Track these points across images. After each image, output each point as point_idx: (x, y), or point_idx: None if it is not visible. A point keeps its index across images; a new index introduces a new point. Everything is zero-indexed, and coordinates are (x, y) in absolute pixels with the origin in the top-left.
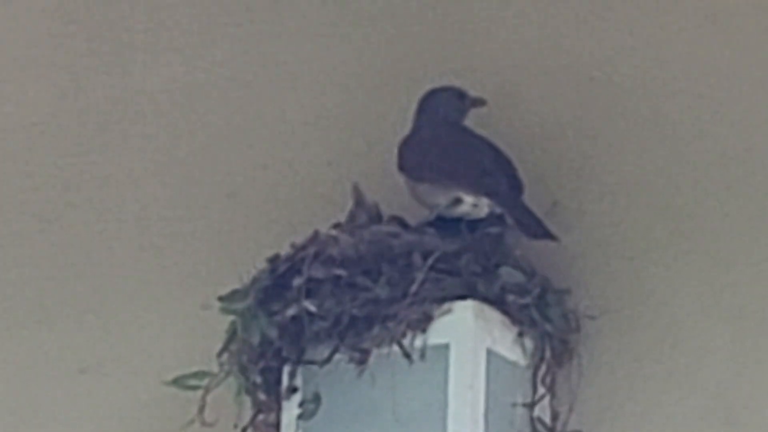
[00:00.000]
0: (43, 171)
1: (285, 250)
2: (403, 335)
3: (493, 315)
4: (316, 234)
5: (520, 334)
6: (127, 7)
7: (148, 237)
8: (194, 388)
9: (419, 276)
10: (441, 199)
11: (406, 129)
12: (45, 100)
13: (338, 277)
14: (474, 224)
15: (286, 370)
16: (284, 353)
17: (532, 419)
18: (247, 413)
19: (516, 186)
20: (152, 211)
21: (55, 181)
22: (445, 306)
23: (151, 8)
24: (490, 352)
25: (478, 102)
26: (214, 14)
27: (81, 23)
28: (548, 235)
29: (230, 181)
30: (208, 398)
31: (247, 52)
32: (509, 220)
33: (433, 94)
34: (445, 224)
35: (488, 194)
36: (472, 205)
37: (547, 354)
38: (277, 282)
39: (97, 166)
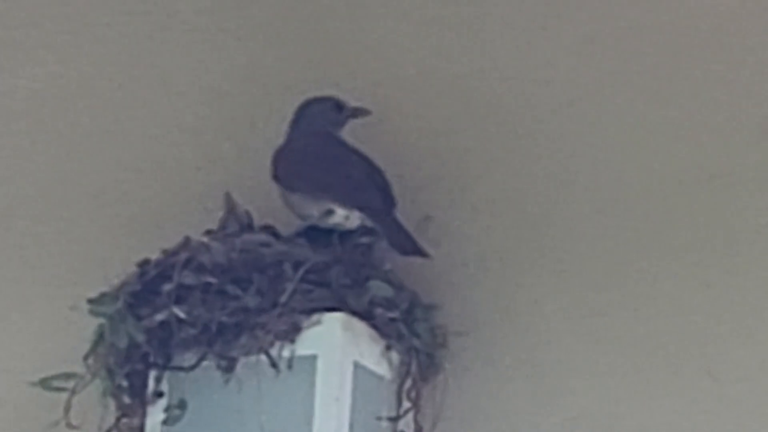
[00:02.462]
0: None
1: (155, 255)
2: (271, 345)
3: (362, 328)
4: (187, 240)
5: (388, 348)
6: (2, 4)
7: (16, 236)
8: (60, 389)
9: (289, 286)
10: (313, 210)
11: (282, 138)
12: None
13: (208, 285)
14: (345, 236)
15: (153, 374)
16: (151, 358)
17: None
18: (112, 416)
19: (388, 200)
20: (20, 209)
21: None
22: (314, 317)
23: (26, 6)
24: (357, 365)
25: (360, 112)
26: (89, 14)
27: None
28: (419, 252)
29: (101, 184)
30: (74, 400)
31: (122, 53)
32: (380, 235)
33: (309, 103)
34: (316, 235)
35: (360, 208)
36: (344, 217)
37: (413, 368)
38: (146, 287)
39: None
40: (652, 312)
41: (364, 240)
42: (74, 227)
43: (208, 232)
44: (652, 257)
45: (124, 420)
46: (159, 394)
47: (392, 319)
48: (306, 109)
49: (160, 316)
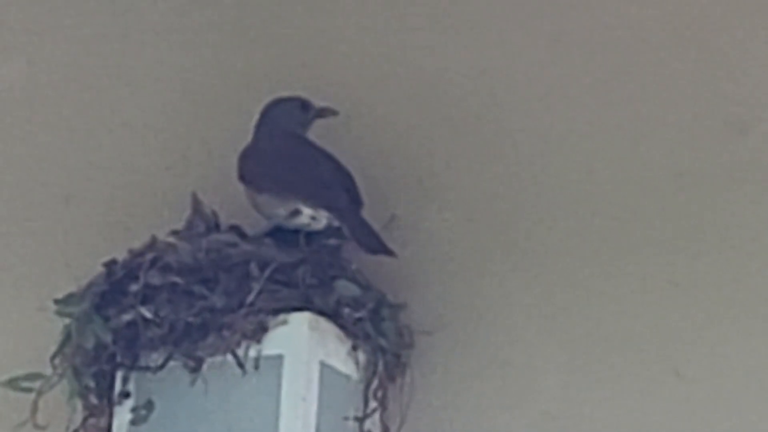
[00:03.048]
0: None
1: (122, 255)
2: (238, 345)
3: (328, 327)
4: (153, 240)
5: (354, 348)
6: None
7: None
8: (27, 390)
9: (256, 286)
10: (280, 210)
11: (248, 137)
12: None
13: (175, 285)
14: (312, 236)
15: (120, 375)
16: (118, 358)
17: None
18: (79, 417)
19: (355, 200)
20: None
21: None
22: (281, 317)
23: None
24: (323, 365)
25: (327, 111)
26: (57, 14)
27: None
28: (385, 250)
29: (68, 183)
30: (41, 401)
31: (89, 53)
32: (346, 233)
33: (275, 104)
34: (283, 235)
35: (327, 207)
36: (311, 217)
37: (380, 368)
38: (113, 287)
39: None
40: (620, 310)
41: (332, 242)
42: (41, 227)
43: (175, 233)
44: (620, 255)
45: (92, 420)
46: (126, 395)
47: (359, 319)
48: (272, 109)
49: (126, 317)
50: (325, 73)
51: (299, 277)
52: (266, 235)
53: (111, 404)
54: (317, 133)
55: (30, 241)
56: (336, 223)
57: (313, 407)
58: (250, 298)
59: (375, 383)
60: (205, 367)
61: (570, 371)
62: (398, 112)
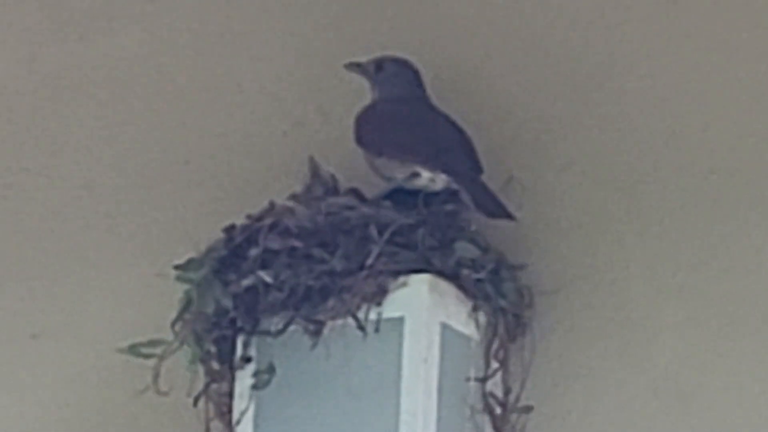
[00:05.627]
0: None
1: (240, 221)
2: (358, 308)
3: (448, 289)
4: (272, 205)
5: (474, 309)
6: None
7: (103, 204)
8: (148, 356)
9: (375, 249)
10: (398, 173)
11: (364, 100)
12: (1, 67)
13: (294, 249)
14: (431, 198)
15: (241, 340)
16: (239, 323)
17: (484, 394)
18: (201, 382)
19: (474, 165)
20: (106, 178)
21: (9, 148)
22: (401, 279)
23: None
24: (444, 326)
25: None
26: None
27: None
28: (505, 214)
29: (185, 150)
30: (162, 367)
31: (205, 21)
32: (465, 198)
33: (390, 64)
34: (401, 197)
35: (446, 171)
36: (429, 179)
37: (501, 329)
38: (232, 252)
39: (51, 133)
40: (741, 267)
41: (449, 207)
42: (159, 194)
43: (293, 197)
44: (739, 213)
45: (213, 386)
46: (247, 359)
47: (479, 280)
48: (387, 69)
49: (246, 281)
50: (440, 35)
51: (418, 238)
52: (385, 198)
53: (232, 369)
54: (433, 96)
55: (148, 208)
56: (454, 186)
57: (435, 369)
58: (370, 260)
59: (496, 344)
60: (325, 330)
61: (691, 329)
62: (514, 73)
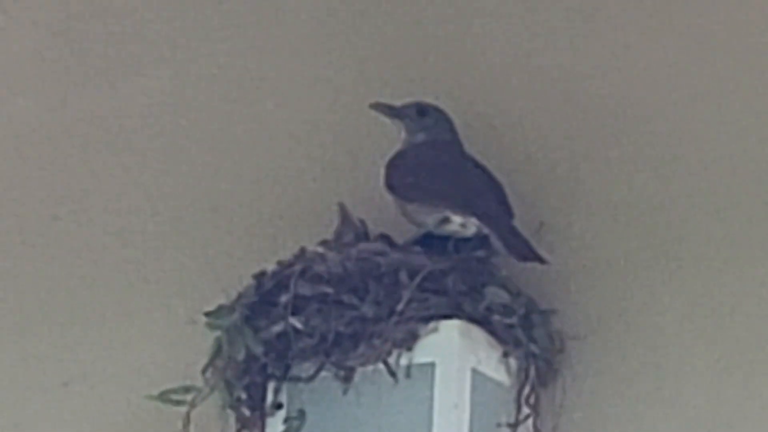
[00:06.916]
0: (28, 184)
1: (270, 267)
2: (389, 353)
3: (479, 334)
4: (302, 251)
5: (505, 354)
6: (115, 20)
7: (133, 250)
8: (179, 403)
9: (406, 294)
10: (429, 218)
11: (393, 145)
12: (32, 113)
13: (325, 295)
14: (461, 243)
15: (271, 386)
16: (269, 369)
17: None
18: (232, 429)
19: (505, 209)
20: (137, 224)
21: (40, 195)
22: (431, 325)
23: (138, 22)
24: (475, 372)
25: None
26: (201, 29)
27: (69, 36)
28: (537, 258)
29: (216, 196)
30: (193, 414)
31: (235, 66)
32: (496, 242)
33: (435, 110)
34: (432, 243)
35: (476, 215)
36: (460, 224)
37: (532, 374)
38: (263, 298)
39: (82, 180)
40: None
41: (480, 253)
42: (190, 240)
43: (324, 243)
44: None
45: None
46: (278, 406)
47: (509, 325)
48: (432, 115)
49: (277, 328)
50: (469, 80)
51: (449, 284)
52: (415, 243)
53: (263, 416)
54: (464, 141)
55: (179, 254)
56: (485, 231)
57: (466, 414)
58: (401, 306)
59: (527, 389)
60: (356, 376)
61: (722, 373)
62: (546, 118)
